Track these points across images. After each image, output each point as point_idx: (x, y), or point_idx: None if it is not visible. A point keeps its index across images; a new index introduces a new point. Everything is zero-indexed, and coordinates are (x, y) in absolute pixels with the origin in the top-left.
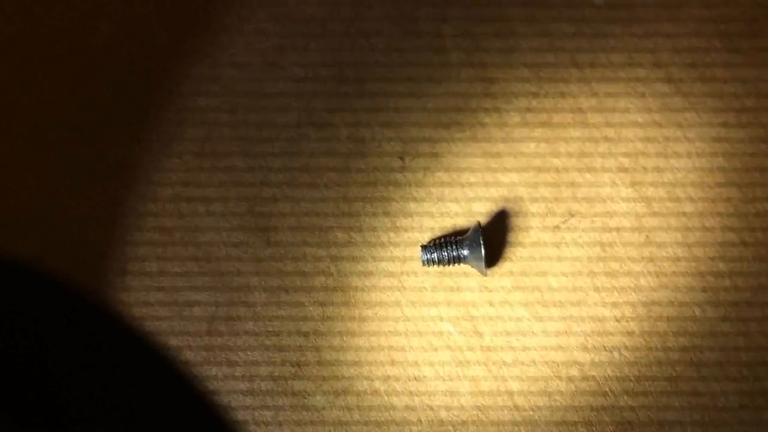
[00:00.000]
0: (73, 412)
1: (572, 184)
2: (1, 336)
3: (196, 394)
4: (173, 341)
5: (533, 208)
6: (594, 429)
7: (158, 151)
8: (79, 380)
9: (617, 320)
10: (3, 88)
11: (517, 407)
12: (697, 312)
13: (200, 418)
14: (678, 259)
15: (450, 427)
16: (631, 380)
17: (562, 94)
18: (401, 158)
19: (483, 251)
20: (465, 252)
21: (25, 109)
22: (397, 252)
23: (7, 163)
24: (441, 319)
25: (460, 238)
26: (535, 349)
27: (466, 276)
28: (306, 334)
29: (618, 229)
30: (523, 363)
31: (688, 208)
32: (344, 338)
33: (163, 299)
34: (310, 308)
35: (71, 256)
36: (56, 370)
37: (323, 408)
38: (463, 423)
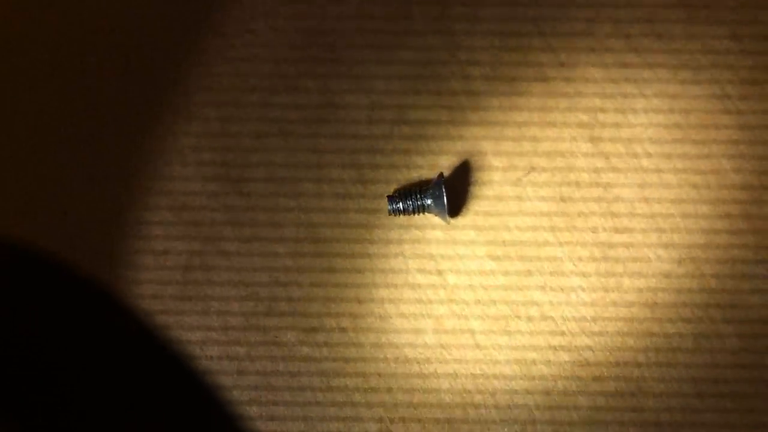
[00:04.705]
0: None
1: (533, 138)
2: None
3: (188, 373)
4: (149, 290)
5: (496, 161)
6: (552, 366)
7: (136, 106)
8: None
9: (574, 263)
10: (3, 88)
11: (478, 345)
12: (652, 255)
13: (193, 396)
14: (635, 210)
15: (415, 365)
16: (588, 320)
17: (524, 51)
18: (369, 113)
19: (446, 200)
20: (429, 201)
21: (24, 109)
22: (364, 202)
23: (5, 161)
24: (406, 262)
25: (424, 188)
26: (496, 290)
27: (432, 224)
28: (277, 280)
29: (577, 182)
30: (484, 303)
31: (645, 162)
32: (314, 280)
33: (139, 247)
34: (283, 256)
35: (51, 217)
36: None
37: (294, 344)
38: (427, 360)
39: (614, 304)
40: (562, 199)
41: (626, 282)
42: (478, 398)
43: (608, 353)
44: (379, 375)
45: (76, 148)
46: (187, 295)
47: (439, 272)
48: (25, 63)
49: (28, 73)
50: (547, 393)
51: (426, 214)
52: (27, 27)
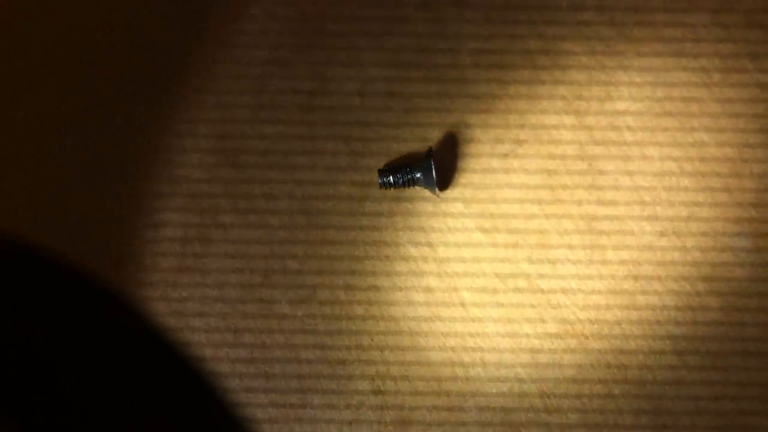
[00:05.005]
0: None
1: (520, 113)
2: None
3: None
4: (147, 261)
5: (483, 135)
6: (537, 328)
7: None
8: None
9: (560, 235)
10: (3, 88)
11: (464, 305)
12: (635, 228)
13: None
14: (618, 183)
15: (405, 325)
16: (573, 291)
17: (511, 32)
18: (360, 88)
19: (434, 173)
20: (418, 174)
21: (24, 109)
22: (356, 176)
23: (5, 161)
24: (398, 235)
25: (414, 161)
26: (485, 262)
27: (422, 197)
28: (272, 252)
29: (562, 156)
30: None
31: (628, 136)
32: (308, 252)
33: (136, 220)
34: (277, 228)
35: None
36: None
37: (289, 316)
38: (417, 322)
39: (599, 274)
40: (548, 173)
41: (610, 254)
42: (465, 357)
43: (591, 314)
44: (371, 338)
45: (76, 148)
46: (183, 267)
47: (431, 246)
48: (25, 63)
49: (28, 73)
50: (532, 352)
51: (416, 187)
52: (27, 27)
